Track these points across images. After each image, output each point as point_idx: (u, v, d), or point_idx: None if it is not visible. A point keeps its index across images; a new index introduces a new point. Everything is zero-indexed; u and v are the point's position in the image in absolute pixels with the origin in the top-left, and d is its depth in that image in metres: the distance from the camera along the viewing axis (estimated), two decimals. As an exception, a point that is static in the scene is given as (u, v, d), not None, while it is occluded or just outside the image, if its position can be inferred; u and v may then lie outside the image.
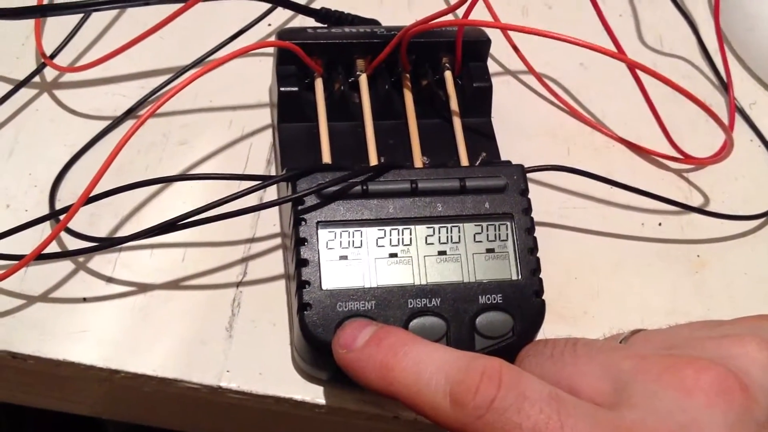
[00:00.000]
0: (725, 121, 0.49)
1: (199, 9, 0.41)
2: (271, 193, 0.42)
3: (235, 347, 0.37)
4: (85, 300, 0.38)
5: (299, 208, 0.36)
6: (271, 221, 0.41)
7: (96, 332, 0.37)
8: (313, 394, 0.37)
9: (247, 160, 0.44)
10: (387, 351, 0.32)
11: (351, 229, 0.36)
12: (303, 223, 0.36)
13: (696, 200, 0.46)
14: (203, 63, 0.46)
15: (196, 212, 0.35)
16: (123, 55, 0.43)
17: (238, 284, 0.39)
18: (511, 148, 0.43)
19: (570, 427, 0.28)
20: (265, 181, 0.36)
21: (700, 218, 0.45)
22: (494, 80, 0.44)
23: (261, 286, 0.40)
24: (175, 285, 0.39)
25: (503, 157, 0.41)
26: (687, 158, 0.46)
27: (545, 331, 0.36)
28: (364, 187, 0.36)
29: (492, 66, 0.49)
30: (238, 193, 0.36)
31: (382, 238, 0.36)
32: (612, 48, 0.45)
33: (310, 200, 0.36)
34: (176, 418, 0.41)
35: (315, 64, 0.42)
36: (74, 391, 0.40)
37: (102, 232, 0.40)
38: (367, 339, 0.32)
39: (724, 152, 0.43)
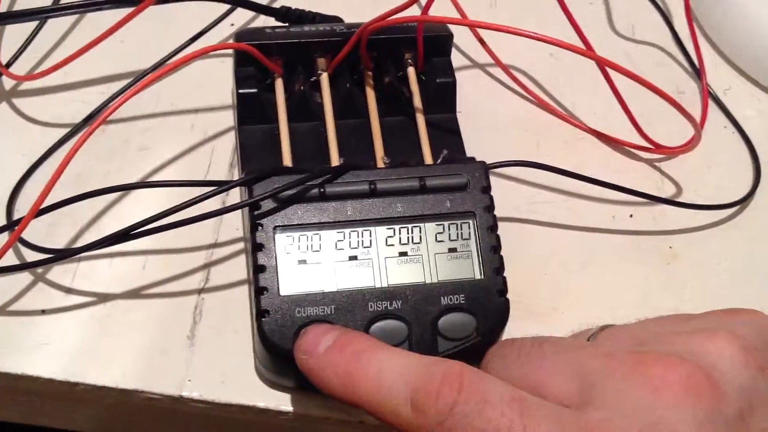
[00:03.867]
0: (698, 108, 0.48)
1: (160, 11, 0.41)
2: (234, 197, 0.41)
3: (197, 356, 0.37)
4: (43, 312, 0.37)
5: (256, 213, 0.35)
6: (234, 225, 0.41)
7: (55, 345, 0.37)
8: (277, 401, 0.36)
9: (210, 164, 0.43)
10: (349, 357, 0.31)
11: (309, 233, 0.35)
12: (260, 228, 0.35)
13: (668, 190, 0.45)
14: (163, 65, 0.45)
15: (149, 221, 0.35)
16: (83, 61, 0.43)
17: (200, 291, 0.39)
18: (479, 143, 0.42)
19: (532, 430, 0.27)
20: (220, 186, 0.36)
21: (672, 209, 0.44)
22: (461, 74, 0.43)
23: (223, 292, 0.39)
24: (135, 294, 0.38)
25: (472, 153, 0.41)
26: (658, 148, 0.46)
27: (514, 328, 0.36)
28: (322, 190, 0.36)
29: (458, 59, 0.49)
30: (192, 200, 0.35)
31: (341, 240, 0.35)
32: (580, 43, 0.44)
33: (267, 204, 0.35)
34: (141, 429, 0.41)
35: (274, 65, 0.41)
36: (36, 404, 0.39)
37: (61, 243, 0.39)
38: (329, 345, 0.32)
39: (693, 142, 0.42)
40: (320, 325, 0.33)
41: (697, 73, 0.50)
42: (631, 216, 0.44)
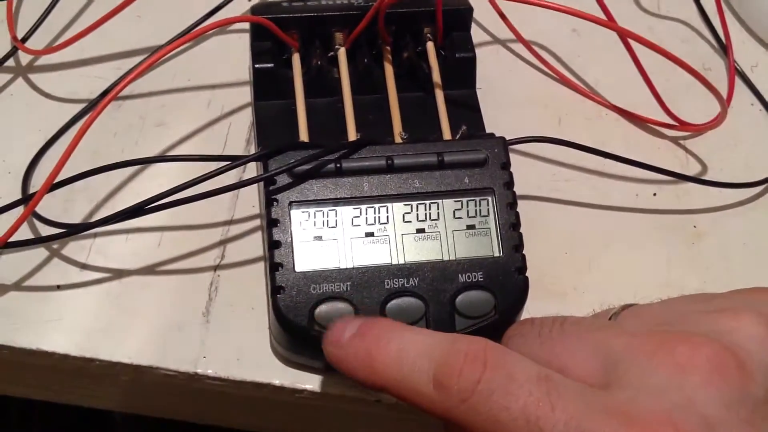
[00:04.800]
0: (725, 84, 0.47)
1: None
2: (250, 172, 0.41)
3: (212, 333, 0.37)
4: (59, 287, 0.37)
5: (271, 188, 0.35)
6: (250, 202, 0.40)
7: (70, 320, 0.36)
8: (293, 378, 0.36)
9: (227, 140, 0.43)
10: (371, 341, 0.30)
11: (325, 209, 0.35)
12: (275, 203, 0.35)
13: (693, 168, 0.44)
14: (176, 40, 0.45)
15: (164, 195, 0.34)
16: (99, 36, 0.42)
17: (216, 268, 0.38)
18: (499, 119, 0.41)
19: (561, 409, 0.26)
20: (234, 161, 0.35)
21: (696, 187, 0.43)
22: (482, 49, 0.42)
23: (239, 269, 0.39)
24: (150, 270, 0.38)
25: (492, 130, 0.40)
26: (682, 125, 0.45)
27: (533, 309, 0.35)
28: (338, 165, 0.35)
29: (479, 35, 0.48)
30: (207, 174, 0.35)
31: (358, 216, 0.35)
32: (602, 15, 0.43)
33: (282, 179, 0.35)
34: (156, 405, 0.40)
35: (291, 39, 0.40)
36: (53, 380, 0.39)
37: (76, 218, 0.39)
38: (353, 332, 0.31)
39: (719, 119, 0.41)
40: (346, 317, 0.33)
41: (724, 49, 0.49)
42: (654, 194, 0.43)
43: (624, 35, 0.39)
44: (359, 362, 0.30)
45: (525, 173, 0.39)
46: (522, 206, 0.36)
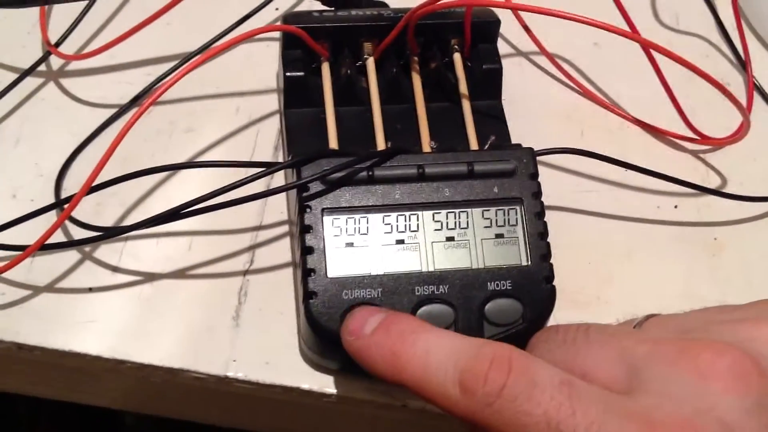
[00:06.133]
0: (743, 100, 0.48)
1: (206, -5, 0.41)
2: (279, 179, 0.41)
3: (241, 336, 0.37)
4: (90, 290, 0.38)
5: (304, 195, 0.35)
6: (278, 208, 0.41)
7: (102, 322, 0.37)
8: (321, 383, 0.36)
9: (255, 147, 0.43)
10: (396, 338, 0.31)
11: (357, 216, 0.35)
12: (308, 210, 0.35)
13: (713, 182, 0.45)
14: (209, 48, 0.46)
15: (199, 200, 0.35)
16: (129, 42, 0.43)
17: (245, 272, 0.39)
18: (523, 130, 0.42)
19: (582, 413, 0.27)
20: (268, 168, 0.36)
21: (717, 200, 0.43)
22: (505, 62, 0.43)
23: (268, 274, 0.39)
24: (181, 274, 0.39)
25: (515, 141, 0.41)
26: (703, 139, 0.45)
27: (557, 318, 0.36)
28: (370, 173, 0.36)
29: (503, 47, 0.49)
30: (241, 180, 0.35)
31: (389, 224, 0.35)
32: (626, 27, 0.44)
33: (315, 187, 0.35)
34: (185, 408, 0.41)
35: (321, 48, 0.41)
36: (81, 381, 0.39)
37: (108, 222, 0.40)
38: (375, 326, 0.32)
39: (741, 133, 0.42)
40: (367, 307, 0.33)
41: (743, 64, 0.50)
42: (675, 207, 0.43)
43: (647, 47, 0.40)
44: (383, 358, 0.31)
45: (548, 184, 0.39)
46: (546, 216, 0.37)
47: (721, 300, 0.40)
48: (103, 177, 0.37)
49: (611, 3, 0.47)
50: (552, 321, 0.36)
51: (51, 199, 0.40)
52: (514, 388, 0.28)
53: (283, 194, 0.40)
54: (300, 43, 0.40)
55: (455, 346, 0.30)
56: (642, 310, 0.34)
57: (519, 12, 0.48)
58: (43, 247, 0.35)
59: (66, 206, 0.35)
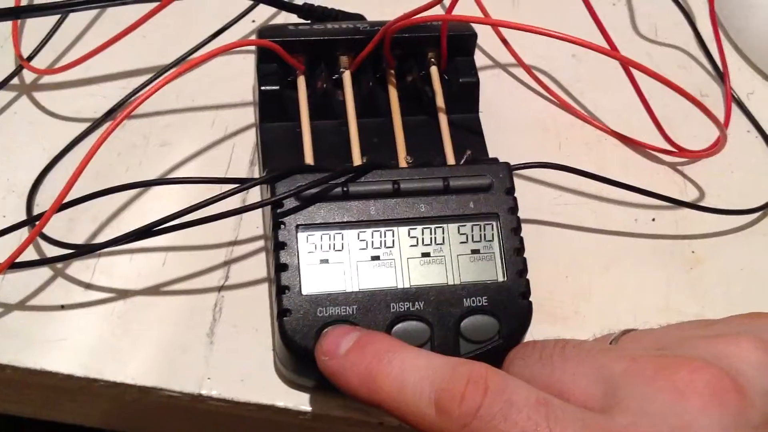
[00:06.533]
0: (721, 112, 0.48)
1: (182, 6, 0.41)
2: (255, 194, 0.41)
3: (216, 353, 0.37)
4: (63, 307, 0.37)
5: (278, 211, 0.35)
6: (254, 223, 0.41)
7: (74, 340, 0.36)
8: (297, 400, 0.36)
9: (231, 161, 0.43)
10: (371, 358, 0.31)
11: (332, 232, 0.35)
12: (282, 226, 0.35)
13: (691, 194, 0.45)
14: (185, 62, 0.45)
15: (172, 217, 0.34)
16: (104, 55, 0.42)
17: (220, 288, 0.39)
18: (501, 143, 0.42)
19: None
20: (242, 184, 0.35)
21: (695, 213, 0.43)
22: (483, 74, 0.43)
23: (243, 290, 0.39)
24: (155, 290, 0.38)
25: (493, 154, 0.40)
26: (681, 151, 0.45)
27: (535, 332, 0.35)
28: (345, 189, 0.35)
29: (481, 59, 0.48)
30: (214, 197, 0.35)
31: (364, 240, 0.35)
32: (604, 43, 0.44)
33: (290, 203, 0.35)
34: (161, 426, 0.40)
35: (297, 62, 0.41)
36: (58, 400, 0.39)
37: (81, 238, 0.39)
38: (350, 345, 0.32)
39: (717, 146, 0.42)
40: (341, 326, 0.33)
41: (721, 76, 0.50)
42: (653, 220, 0.43)
43: (626, 64, 0.40)
44: (358, 378, 0.31)
45: (525, 197, 0.39)
46: (523, 230, 0.36)
47: (699, 313, 0.40)
48: (77, 192, 0.36)
49: (590, 16, 0.47)
50: (529, 335, 0.36)
51: (23, 216, 0.39)
52: (490, 408, 0.28)
53: (259, 209, 0.40)
54: (275, 57, 0.40)
55: (431, 366, 0.30)
56: (620, 324, 0.34)
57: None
58: (14, 265, 0.35)
59: (38, 223, 0.35)
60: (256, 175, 0.42)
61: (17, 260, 0.35)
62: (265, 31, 0.41)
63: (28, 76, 0.45)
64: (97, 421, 0.40)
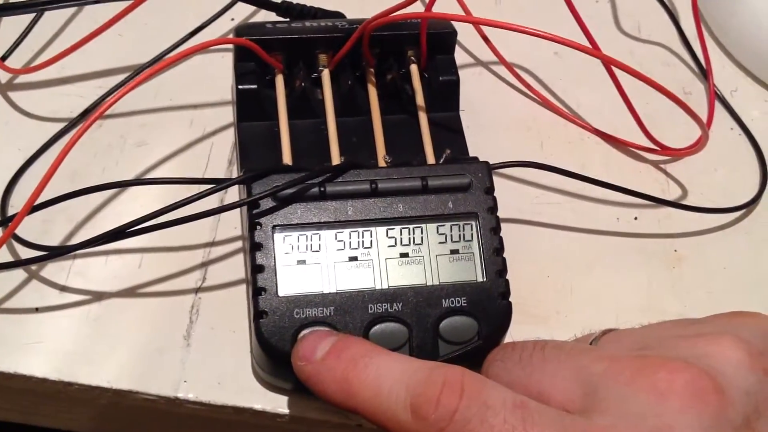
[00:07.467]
0: (704, 109, 0.48)
1: (160, 4, 0.40)
2: (233, 194, 0.40)
3: (193, 356, 0.36)
4: (37, 310, 0.37)
5: (254, 211, 0.35)
6: (232, 224, 0.40)
7: (49, 343, 0.36)
8: (274, 403, 0.35)
9: (209, 161, 0.42)
10: (347, 363, 0.30)
11: (309, 233, 0.35)
12: (258, 227, 0.34)
13: (674, 192, 0.45)
14: (161, 60, 0.45)
15: (147, 218, 0.34)
16: (80, 54, 0.42)
17: (197, 290, 0.38)
18: (482, 142, 0.41)
19: None
20: (218, 184, 0.35)
21: (677, 212, 0.43)
22: (465, 71, 0.42)
23: (221, 291, 0.38)
24: (131, 292, 0.38)
25: (474, 153, 0.40)
26: (663, 149, 0.45)
27: (516, 332, 0.35)
28: (322, 189, 0.35)
29: (462, 57, 0.48)
30: (190, 197, 0.34)
31: (342, 241, 0.35)
32: (586, 41, 0.43)
33: (266, 203, 0.35)
34: (138, 429, 0.40)
35: (275, 61, 0.40)
36: (36, 404, 0.38)
37: (56, 240, 0.39)
38: (326, 350, 0.31)
39: (699, 145, 0.42)
40: (317, 331, 0.33)
41: (704, 73, 0.50)
42: (635, 218, 0.43)
43: (608, 63, 0.40)
44: (334, 384, 0.30)
45: (507, 196, 0.39)
46: (504, 229, 0.36)
47: (681, 312, 0.40)
48: (52, 193, 0.36)
49: (572, 14, 0.47)
50: (509, 336, 0.35)
51: (-3, 217, 0.39)
52: (466, 411, 0.27)
53: (237, 210, 0.39)
54: (253, 56, 0.40)
55: (406, 370, 0.29)
56: (602, 324, 0.34)
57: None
58: (-14, 267, 0.35)
59: (10, 224, 0.34)
60: (235, 175, 0.42)
61: (-11, 262, 0.34)
62: (242, 30, 0.40)
63: (2, 75, 0.44)
64: (74, 425, 0.40)
